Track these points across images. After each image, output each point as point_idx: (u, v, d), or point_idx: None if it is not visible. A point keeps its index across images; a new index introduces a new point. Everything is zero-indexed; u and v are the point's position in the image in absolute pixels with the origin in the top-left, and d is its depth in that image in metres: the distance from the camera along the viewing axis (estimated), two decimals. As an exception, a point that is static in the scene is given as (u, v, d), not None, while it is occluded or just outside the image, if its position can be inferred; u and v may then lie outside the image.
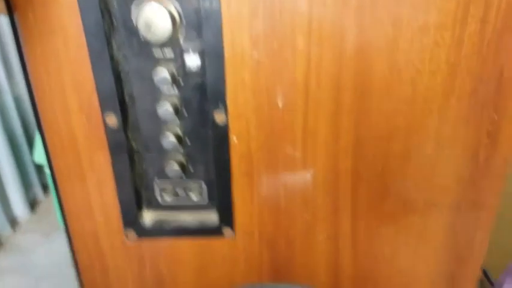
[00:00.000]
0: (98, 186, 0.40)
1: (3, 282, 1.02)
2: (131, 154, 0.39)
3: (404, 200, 0.39)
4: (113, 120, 0.36)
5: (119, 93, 0.36)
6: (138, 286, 0.45)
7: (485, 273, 0.52)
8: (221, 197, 0.41)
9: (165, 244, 0.43)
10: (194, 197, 0.42)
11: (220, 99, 0.35)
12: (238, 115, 0.36)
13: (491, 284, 0.52)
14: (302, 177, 0.39)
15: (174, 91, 0.36)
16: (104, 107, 0.36)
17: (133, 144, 0.38)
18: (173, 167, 0.38)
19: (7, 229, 1.16)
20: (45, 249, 1.11)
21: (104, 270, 0.45)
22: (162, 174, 0.40)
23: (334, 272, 0.44)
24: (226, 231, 0.42)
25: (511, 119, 0.35)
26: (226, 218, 0.42)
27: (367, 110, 0.36)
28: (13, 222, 1.20)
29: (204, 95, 0.36)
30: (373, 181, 0.39)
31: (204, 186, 0.41)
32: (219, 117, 0.36)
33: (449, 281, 0.45)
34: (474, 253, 0.43)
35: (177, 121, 0.37)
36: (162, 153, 0.39)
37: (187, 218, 0.42)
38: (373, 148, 0.37)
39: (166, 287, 0.46)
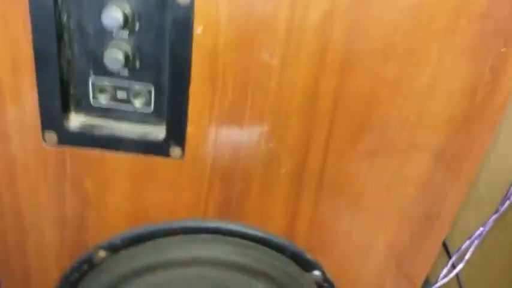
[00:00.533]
0: (13, 69, 0.30)
1: None
2: (60, 31, 0.30)
3: (385, 138, 0.34)
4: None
5: None
6: (55, 203, 0.37)
7: (444, 244, 0.50)
8: (173, 107, 0.33)
9: (95, 156, 0.35)
10: (138, 103, 0.34)
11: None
12: (207, -2, 0.28)
13: (449, 255, 0.50)
14: (275, 95, 0.32)
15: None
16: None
17: (64, 17, 0.29)
18: (114, 56, 0.30)
19: None
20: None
21: (12, 178, 0.36)
22: (100, 67, 0.32)
23: (292, 214, 0.39)
24: (174, 150, 0.35)
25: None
26: (176, 134, 0.34)
27: (365, 18, 0.29)
28: None
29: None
30: (356, 110, 0.33)
31: (152, 90, 0.33)
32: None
33: (414, 238, 0.41)
34: (445, 211, 0.39)
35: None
36: (102, 35, 0.31)
37: (126, 128, 0.34)
38: (364, 67, 0.31)
39: (92, 209, 0.38)
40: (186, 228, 0.40)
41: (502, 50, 0.30)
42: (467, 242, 0.43)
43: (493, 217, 0.42)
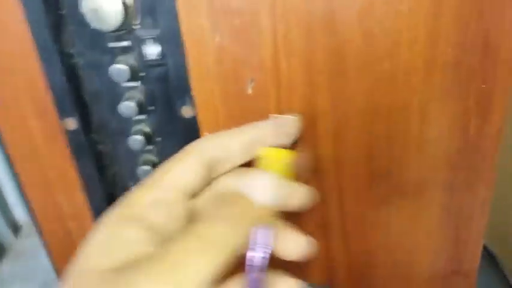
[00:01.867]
0: (66, 193, 0.38)
1: (9, 290, 1.01)
2: (98, 157, 0.37)
3: (392, 184, 0.37)
4: (72, 124, 0.33)
5: (76, 92, 0.33)
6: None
7: (485, 247, 0.50)
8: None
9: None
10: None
11: (185, 91, 0.33)
12: (206, 107, 0.33)
13: (491, 256, 0.49)
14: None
15: (136, 84, 0.34)
16: (61, 112, 0.33)
17: (100, 146, 0.36)
18: (145, 168, 0.36)
19: (8, 235, 1.16)
20: (48, 253, 1.10)
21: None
22: (136, 177, 0.38)
23: (328, 266, 0.42)
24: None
25: (503, 88, 0.32)
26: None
27: (344, 90, 0.33)
28: (14, 227, 1.19)
29: (169, 85, 0.34)
30: (358, 166, 0.36)
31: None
32: (185, 111, 0.33)
33: (449, 263, 0.42)
34: (473, 233, 0.40)
35: (144, 117, 0.35)
36: (132, 153, 0.37)
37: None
38: (355, 131, 0.34)
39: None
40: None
41: (482, 86, 0.32)
42: None
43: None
